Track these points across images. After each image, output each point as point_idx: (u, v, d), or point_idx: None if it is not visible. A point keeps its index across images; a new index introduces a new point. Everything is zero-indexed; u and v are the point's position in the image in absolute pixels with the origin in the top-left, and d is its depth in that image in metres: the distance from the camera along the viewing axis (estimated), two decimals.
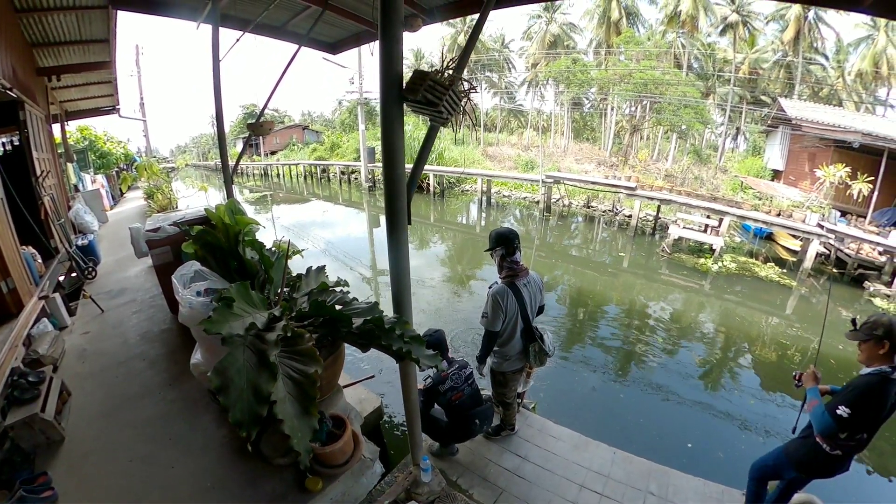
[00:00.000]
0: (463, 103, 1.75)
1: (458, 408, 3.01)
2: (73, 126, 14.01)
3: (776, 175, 19.63)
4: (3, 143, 5.29)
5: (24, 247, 4.19)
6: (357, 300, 2.12)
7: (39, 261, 4.56)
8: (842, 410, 2.11)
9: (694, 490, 3.00)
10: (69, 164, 10.60)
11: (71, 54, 7.02)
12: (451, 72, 1.70)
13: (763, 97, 26.15)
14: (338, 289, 2.26)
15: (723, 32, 26.79)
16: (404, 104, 1.70)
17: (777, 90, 25.49)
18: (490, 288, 2.89)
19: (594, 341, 6.64)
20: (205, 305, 2.22)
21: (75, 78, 8.36)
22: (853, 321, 2.31)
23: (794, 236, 12.08)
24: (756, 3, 25.46)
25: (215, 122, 4.66)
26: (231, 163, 4.73)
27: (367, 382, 3.56)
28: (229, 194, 4.41)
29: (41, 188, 5.46)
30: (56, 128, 8.90)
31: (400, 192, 1.77)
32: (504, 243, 2.78)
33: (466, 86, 1.72)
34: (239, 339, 1.63)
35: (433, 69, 1.67)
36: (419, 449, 2.65)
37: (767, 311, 8.40)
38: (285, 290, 2.19)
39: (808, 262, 10.35)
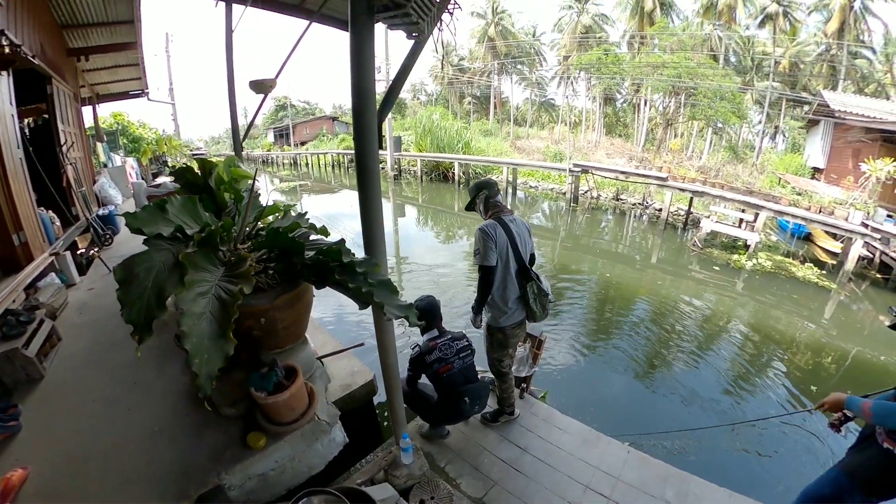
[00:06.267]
0: (447, 22, 1.56)
1: (445, 382, 2.76)
2: (106, 112, 14.58)
3: (817, 173, 18.42)
4: (29, 123, 5.81)
5: (44, 209, 4.53)
6: (324, 240, 1.91)
7: (58, 224, 4.93)
8: None
9: (717, 501, 2.61)
10: (99, 144, 10.92)
11: (98, 35, 7.21)
12: None
13: (804, 93, 24.71)
14: (317, 236, 2.05)
15: (762, 24, 25.42)
16: (376, 18, 1.49)
17: (819, 86, 23.96)
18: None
19: (616, 335, 6.28)
20: None
21: (104, 59, 8.59)
22: (891, 309, 2.21)
23: (833, 236, 11.25)
24: None
25: (227, 90, 4.66)
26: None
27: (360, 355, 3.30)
28: (237, 154, 4.53)
29: (64, 157, 5.75)
30: (88, 110, 9.16)
31: (370, 111, 1.57)
32: (486, 186, 2.85)
33: None
34: (163, 242, 1.57)
35: None
36: (400, 425, 2.41)
37: (804, 315, 7.71)
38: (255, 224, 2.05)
39: (850, 265, 9.47)
